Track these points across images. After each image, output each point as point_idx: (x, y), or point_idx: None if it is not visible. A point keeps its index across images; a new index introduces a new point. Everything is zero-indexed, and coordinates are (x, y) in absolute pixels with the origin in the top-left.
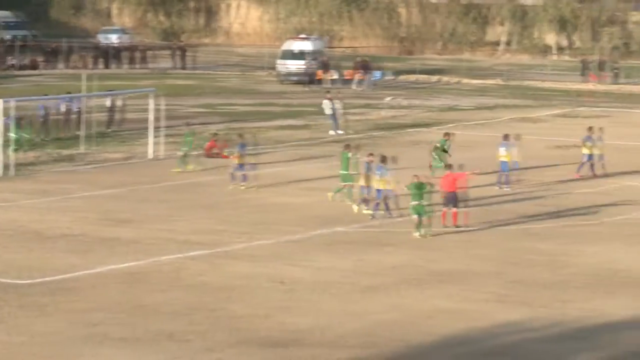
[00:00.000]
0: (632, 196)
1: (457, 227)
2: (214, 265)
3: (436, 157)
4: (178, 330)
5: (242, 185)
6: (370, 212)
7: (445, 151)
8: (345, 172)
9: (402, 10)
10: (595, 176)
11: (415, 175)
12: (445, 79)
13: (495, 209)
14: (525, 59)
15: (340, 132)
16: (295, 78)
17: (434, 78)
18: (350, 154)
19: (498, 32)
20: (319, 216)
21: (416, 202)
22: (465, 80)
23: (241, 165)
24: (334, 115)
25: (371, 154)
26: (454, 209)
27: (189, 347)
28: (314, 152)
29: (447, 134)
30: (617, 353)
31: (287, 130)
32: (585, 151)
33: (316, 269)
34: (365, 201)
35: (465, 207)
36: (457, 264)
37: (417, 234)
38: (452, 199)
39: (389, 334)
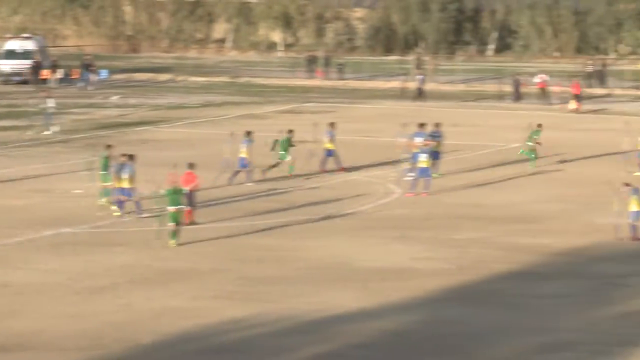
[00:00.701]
0: (356, 190)
1: (193, 224)
2: None
3: (282, 152)
4: None
5: None
6: (120, 213)
7: (291, 146)
8: (105, 173)
9: (128, 9)
10: (323, 171)
11: (174, 180)
12: (173, 77)
13: (225, 206)
14: (251, 55)
15: (55, 129)
16: (18, 78)
17: (162, 76)
18: (107, 154)
19: (224, 29)
20: (44, 218)
21: (174, 208)
22: (192, 78)
23: None
24: (50, 114)
25: (124, 155)
26: (189, 208)
27: None
28: (37, 153)
29: (290, 131)
30: (343, 345)
31: (10, 131)
32: (329, 146)
33: (43, 272)
34: (119, 202)
35: (195, 205)
36: (186, 262)
37: (173, 242)
38: (190, 197)
39: (117, 335)
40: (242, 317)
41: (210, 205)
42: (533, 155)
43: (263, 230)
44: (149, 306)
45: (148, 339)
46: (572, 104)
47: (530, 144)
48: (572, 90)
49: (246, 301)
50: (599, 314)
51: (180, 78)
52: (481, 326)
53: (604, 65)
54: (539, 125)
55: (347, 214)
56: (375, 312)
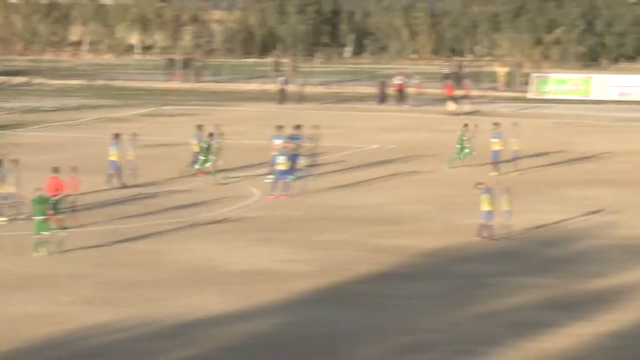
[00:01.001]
0: (217, 193)
1: (63, 229)
2: None
3: (205, 157)
4: None
5: None
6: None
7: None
8: None
9: None
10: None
11: (38, 188)
12: (28, 80)
13: (90, 211)
14: (109, 58)
15: None
16: None
17: (17, 79)
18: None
19: (80, 32)
20: None
21: (40, 218)
22: (48, 81)
23: None
24: None
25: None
26: (58, 213)
27: None
28: None
29: (211, 134)
30: (208, 348)
31: None
32: (196, 149)
33: None
34: None
35: (72, 210)
36: (46, 267)
37: (38, 254)
38: (55, 203)
39: None
40: (103, 322)
41: (75, 210)
42: (467, 151)
43: (127, 235)
44: (6, 312)
45: (5, 346)
46: (451, 105)
47: (459, 146)
48: (446, 92)
49: (107, 306)
50: (461, 314)
51: (35, 81)
52: (346, 327)
53: (461, 66)
54: (465, 126)
55: (210, 216)
56: (240, 314)
